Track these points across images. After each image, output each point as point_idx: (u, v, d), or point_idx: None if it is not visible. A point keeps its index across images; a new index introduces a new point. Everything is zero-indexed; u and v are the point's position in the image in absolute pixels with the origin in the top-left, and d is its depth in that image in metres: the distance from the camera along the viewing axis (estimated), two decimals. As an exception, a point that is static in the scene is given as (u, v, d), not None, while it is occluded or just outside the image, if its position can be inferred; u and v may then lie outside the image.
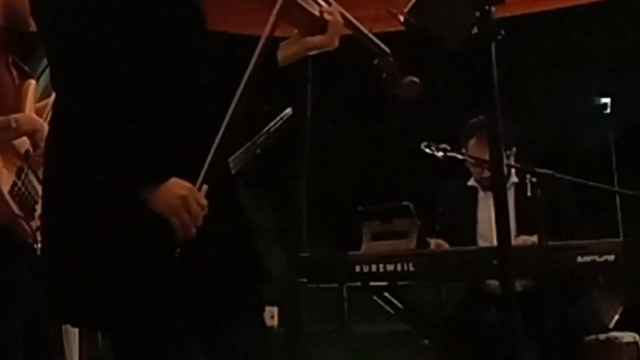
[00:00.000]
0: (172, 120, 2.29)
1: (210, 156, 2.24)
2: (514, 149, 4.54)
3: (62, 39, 2.26)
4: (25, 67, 3.42)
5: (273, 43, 2.46)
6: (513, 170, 4.44)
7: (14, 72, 3.28)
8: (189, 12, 2.41)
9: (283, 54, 2.49)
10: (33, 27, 3.36)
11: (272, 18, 2.34)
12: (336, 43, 2.48)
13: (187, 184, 2.23)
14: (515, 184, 4.44)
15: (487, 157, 4.35)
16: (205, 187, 2.24)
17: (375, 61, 2.55)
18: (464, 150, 4.57)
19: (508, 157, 4.47)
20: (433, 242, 4.37)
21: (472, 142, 4.55)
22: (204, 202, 2.23)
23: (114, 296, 2.23)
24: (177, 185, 2.22)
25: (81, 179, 2.24)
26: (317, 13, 2.45)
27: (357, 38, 2.54)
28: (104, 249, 2.22)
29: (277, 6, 2.34)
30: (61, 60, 2.28)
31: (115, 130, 2.20)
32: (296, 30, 2.49)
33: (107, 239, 2.22)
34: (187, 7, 2.41)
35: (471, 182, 4.71)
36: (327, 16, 2.45)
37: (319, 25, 2.45)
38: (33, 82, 3.34)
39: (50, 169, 2.37)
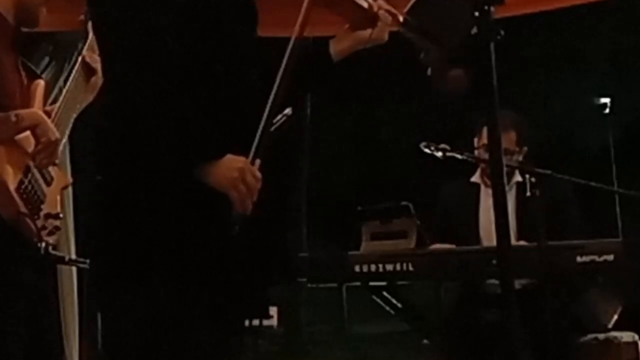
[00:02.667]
0: (222, 104, 2.34)
1: (259, 131, 2.28)
2: (525, 148, 4.54)
3: (119, 28, 2.30)
4: (33, 67, 3.43)
5: (323, 41, 2.52)
6: (517, 169, 4.45)
7: (22, 72, 3.28)
8: (241, 7, 2.46)
9: (335, 49, 2.53)
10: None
11: (305, 5, 2.37)
12: (386, 37, 2.51)
13: (242, 158, 2.27)
14: (517, 183, 4.44)
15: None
16: (258, 161, 2.28)
17: (421, 55, 2.52)
18: (476, 139, 4.57)
19: (513, 154, 4.47)
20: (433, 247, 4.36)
21: (485, 130, 4.53)
22: (259, 174, 2.28)
23: (166, 276, 2.26)
24: (233, 160, 2.27)
25: (139, 161, 2.28)
26: (366, 6, 2.47)
27: (402, 32, 2.52)
28: (161, 229, 2.26)
29: None
30: (118, 48, 2.31)
31: (172, 111, 2.25)
32: (347, 26, 2.53)
33: (164, 220, 2.26)
34: (240, 2, 2.46)
35: (474, 179, 4.70)
36: (376, 9, 2.48)
37: (369, 18, 2.48)
38: (42, 82, 3.35)
39: (106, 153, 2.38)
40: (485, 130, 4.48)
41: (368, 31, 2.50)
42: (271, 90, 2.32)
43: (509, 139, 4.43)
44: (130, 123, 2.28)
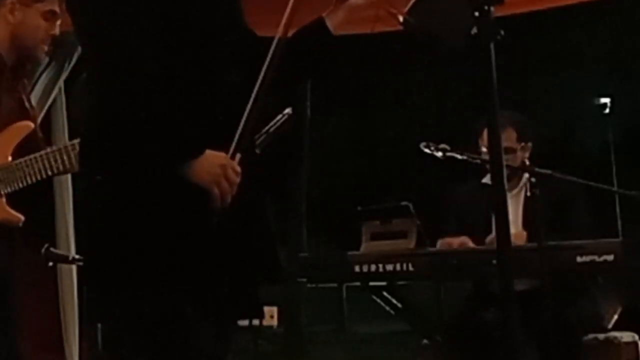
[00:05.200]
0: (203, 102, 2.36)
1: (240, 126, 2.31)
2: (530, 144, 4.51)
3: (98, 30, 2.33)
4: (32, 106, 3.48)
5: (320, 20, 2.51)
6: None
7: (11, 105, 3.33)
8: (223, 7, 2.47)
9: (332, 23, 2.52)
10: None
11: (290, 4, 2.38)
12: None
13: (222, 154, 2.31)
14: (529, 182, 4.39)
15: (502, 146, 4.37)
16: (238, 155, 2.32)
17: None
18: (480, 141, 4.55)
19: (515, 152, 4.44)
20: (456, 242, 4.33)
21: (485, 133, 4.54)
22: (239, 169, 2.32)
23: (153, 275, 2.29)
24: (214, 156, 2.30)
25: (122, 161, 2.30)
26: None
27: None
28: (147, 229, 2.28)
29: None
30: (97, 50, 2.35)
31: (152, 111, 2.28)
32: None
33: (150, 219, 2.28)
34: (221, 2, 2.46)
35: (486, 180, 4.68)
36: None
37: None
38: (28, 124, 3.38)
39: (91, 157, 2.41)
40: (487, 133, 4.50)
41: None
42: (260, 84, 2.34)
43: (508, 137, 4.41)
44: (112, 123, 2.30)
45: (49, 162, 3.31)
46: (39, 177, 3.31)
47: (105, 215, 2.33)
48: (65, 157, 3.30)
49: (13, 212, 3.31)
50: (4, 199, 3.28)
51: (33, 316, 3.64)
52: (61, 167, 3.31)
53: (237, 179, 2.31)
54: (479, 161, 4.53)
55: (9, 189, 3.28)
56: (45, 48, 3.35)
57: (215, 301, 2.34)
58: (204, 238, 2.29)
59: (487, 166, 4.58)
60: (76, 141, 3.30)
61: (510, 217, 4.27)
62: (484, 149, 4.48)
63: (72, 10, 2.41)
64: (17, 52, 3.31)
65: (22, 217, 3.33)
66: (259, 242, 2.43)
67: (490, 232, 4.47)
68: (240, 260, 2.37)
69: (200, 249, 2.29)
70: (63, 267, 5.28)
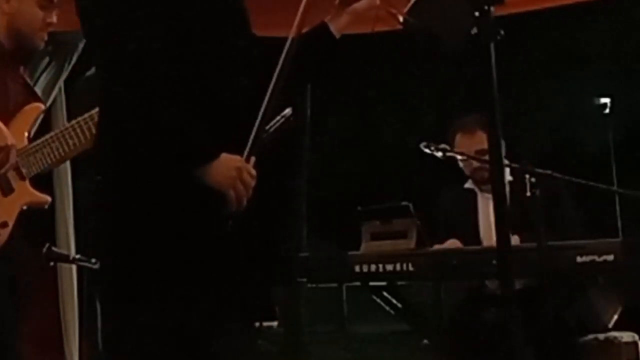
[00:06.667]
0: (215, 106, 2.37)
1: (254, 129, 2.33)
2: (502, 141, 4.52)
3: (110, 36, 2.34)
4: (37, 91, 3.49)
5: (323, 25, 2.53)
6: (507, 169, 4.44)
7: (18, 89, 3.33)
8: (232, 12, 2.48)
9: (336, 28, 2.54)
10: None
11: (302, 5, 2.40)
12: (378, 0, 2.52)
13: (238, 157, 2.32)
14: (509, 182, 4.43)
15: (474, 149, 4.44)
16: (253, 158, 2.34)
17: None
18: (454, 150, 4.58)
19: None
20: (449, 243, 4.38)
21: (457, 137, 4.59)
22: (254, 172, 2.34)
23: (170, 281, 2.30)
24: (230, 159, 2.32)
25: (138, 165, 2.32)
26: None
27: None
28: (162, 230, 2.31)
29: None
30: (108, 55, 2.36)
31: (168, 116, 2.29)
32: (337, 1, 2.55)
33: (164, 220, 2.30)
34: (231, 7, 2.47)
35: (468, 185, 4.70)
36: None
37: None
38: (38, 106, 3.40)
39: (106, 159, 2.42)
40: (457, 138, 4.56)
41: (362, 2, 2.52)
42: (269, 87, 2.34)
43: (481, 139, 4.46)
44: (128, 130, 2.32)
45: (65, 139, 3.33)
46: (57, 156, 3.33)
47: (120, 219, 2.34)
48: (79, 132, 3.32)
49: (40, 194, 3.33)
50: (28, 183, 3.30)
51: (33, 316, 3.64)
52: (77, 143, 3.33)
53: (253, 182, 2.33)
54: (477, 162, 4.54)
55: (32, 173, 3.30)
56: (45, 36, 3.36)
57: (232, 303, 2.34)
58: (221, 241, 2.30)
59: (462, 165, 4.64)
60: (87, 115, 3.32)
61: (492, 218, 4.33)
62: (458, 157, 4.50)
63: (83, 15, 2.40)
64: (15, 40, 3.32)
65: (49, 198, 3.36)
66: (273, 244, 2.44)
67: (477, 236, 4.50)
68: (255, 262, 2.38)
69: (216, 252, 2.30)
70: (63, 267, 5.29)
